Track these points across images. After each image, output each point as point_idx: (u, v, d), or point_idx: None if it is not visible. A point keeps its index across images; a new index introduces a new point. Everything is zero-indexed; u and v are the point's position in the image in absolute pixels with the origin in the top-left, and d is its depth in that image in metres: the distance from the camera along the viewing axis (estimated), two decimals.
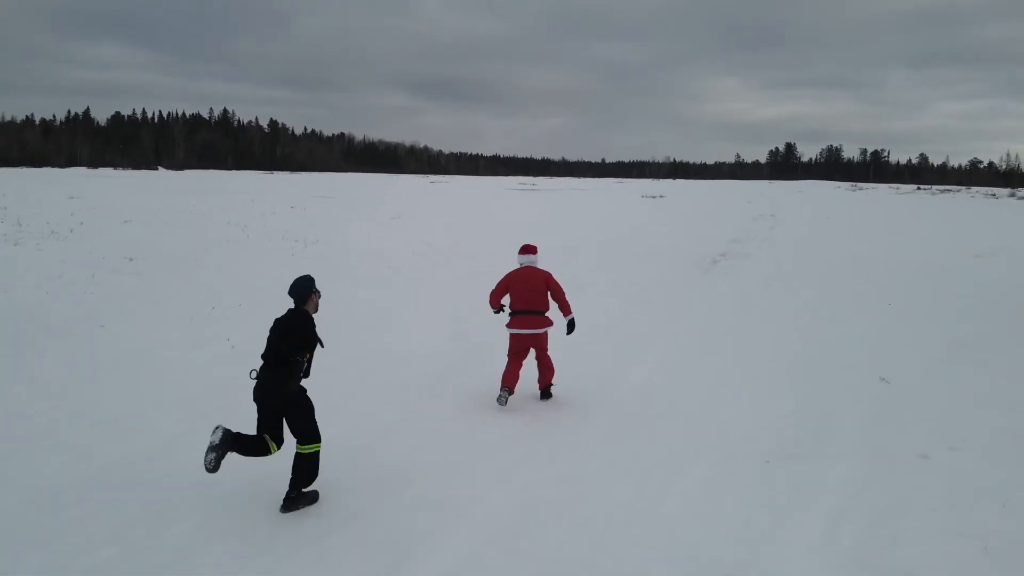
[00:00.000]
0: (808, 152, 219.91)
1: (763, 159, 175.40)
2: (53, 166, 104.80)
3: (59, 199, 31.84)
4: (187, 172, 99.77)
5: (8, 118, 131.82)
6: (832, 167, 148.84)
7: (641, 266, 15.87)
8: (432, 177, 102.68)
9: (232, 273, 12.90)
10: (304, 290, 4.83)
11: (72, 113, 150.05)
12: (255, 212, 25.76)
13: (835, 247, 19.83)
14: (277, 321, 4.81)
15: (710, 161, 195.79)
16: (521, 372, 7.03)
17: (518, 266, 7.28)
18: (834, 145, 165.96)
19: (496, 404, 6.83)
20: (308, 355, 4.73)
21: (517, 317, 6.98)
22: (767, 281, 14.12)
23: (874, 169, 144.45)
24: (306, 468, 4.71)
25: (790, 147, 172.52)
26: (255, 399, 4.72)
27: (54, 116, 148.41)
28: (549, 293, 7.04)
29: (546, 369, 7.11)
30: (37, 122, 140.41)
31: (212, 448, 4.46)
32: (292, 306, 4.84)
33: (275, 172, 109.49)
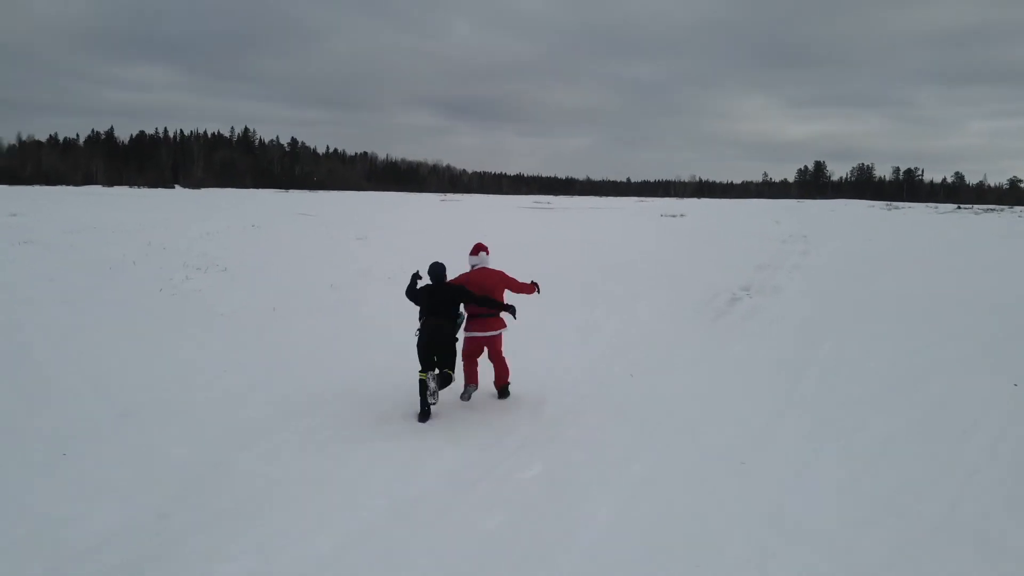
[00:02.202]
0: (838, 171, 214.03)
1: (791, 178, 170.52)
2: (69, 184, 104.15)
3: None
4: (202, 190, 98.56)
5: (25, 137, 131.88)
6: (863, 186, 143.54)
7: (633, 305, 12.12)
8: (445, 196, 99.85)
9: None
10: (442, 271, 6.67)
11: (94, 132, 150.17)
12: (189, 228, 22.48)
13: (889, 277, 15.87)
14: (432, 290, 6.56)
15: (737, 180, 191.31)
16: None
17: (469, 268, 7.15)
18: (865, 163, 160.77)
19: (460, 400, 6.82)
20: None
21: (473, 321, 6.89)
22: (802, 330, 10.32)
23: (908, 188, 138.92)
24: (449, 379, 6.46)
25: (819, 165, 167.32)
26: (429, 344, 6.36)
27: (77, 135, 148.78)
28: (507, 293, 7.02)
29: (502, 369, 7.05)
30: (61, 141, 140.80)
31: (434, 392, 6.28)
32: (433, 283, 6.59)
33: (291, 191, 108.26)
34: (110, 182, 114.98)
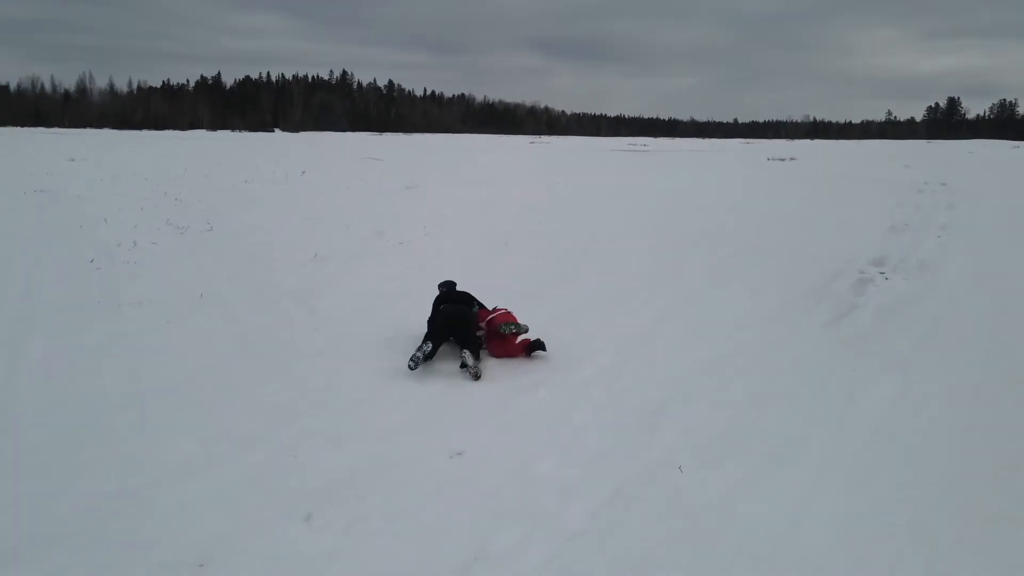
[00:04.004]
0: (974, 108, 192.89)
1: (919, 116, 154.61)
2: (176, 129, 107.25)
3: (57, 160, 28.06)
4: (299, 134, 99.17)
5: (137, 84, 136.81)
6: (1004, 124, 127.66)
7: (709, 298, 8.46)
8: (535, 138, 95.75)
9: None
10: (454, 285, 6.89)
11: (203, 78, 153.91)
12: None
13: None
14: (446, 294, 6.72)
15: (856, 119, 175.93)
16: None
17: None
18: (1008, 99, 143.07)
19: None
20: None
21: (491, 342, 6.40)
22: (994, 351, 6.44)
23: None
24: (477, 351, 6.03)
25: (952, 102, 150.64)
26: (443, 323, 6.00)
27: (187, 80, 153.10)
28: None
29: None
30: (175, 87, 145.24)
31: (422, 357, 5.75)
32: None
33: (384, 133, 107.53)
34: (214, 126, 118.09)
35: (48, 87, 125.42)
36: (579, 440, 4.54)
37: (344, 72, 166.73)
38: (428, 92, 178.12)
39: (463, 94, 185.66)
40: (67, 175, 21.98)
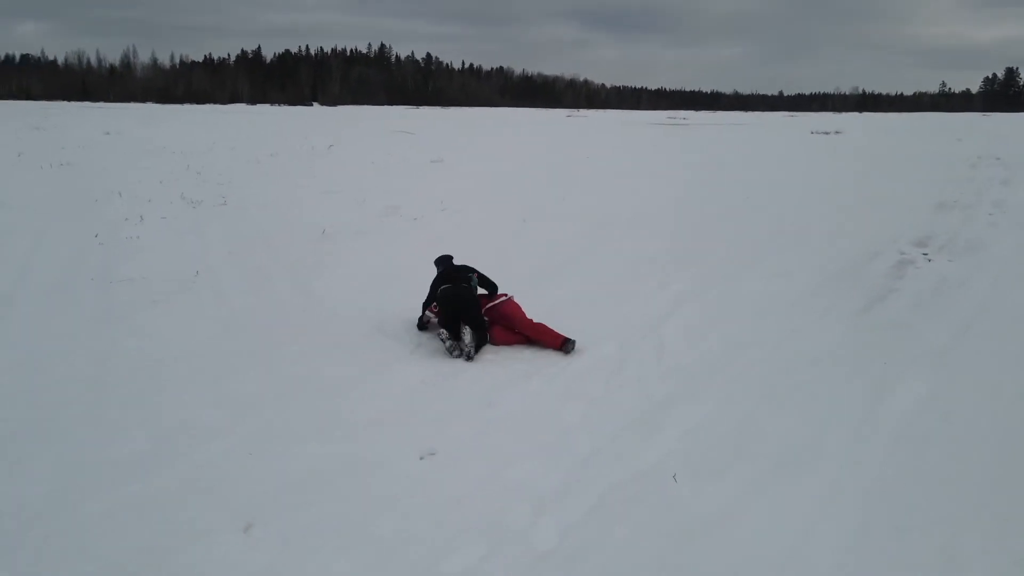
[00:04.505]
0: None
1: (975, 88, 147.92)
2: (216, 103, 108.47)
3: (92, 133, 28.29)
4: (337, 108, 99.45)
5: (177, 59, 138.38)
6: None
7: (732, 279, 7.88)
8: (572, 111, 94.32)
9: None
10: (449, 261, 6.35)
11: (243, 52, 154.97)
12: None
13: None
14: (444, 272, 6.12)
15: (907, 91, 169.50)
16: None
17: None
18: None
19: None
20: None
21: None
22: None
23: None
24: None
25: (1011, 73, 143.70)
26: (452, 305, 5.60)
27: (228, 55, 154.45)
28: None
29: (543, 333, 5.65)
30: (215, 61, 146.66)
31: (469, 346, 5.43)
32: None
33: (421, 107, 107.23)
34: (253, 100, 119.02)
35: (94, 61, 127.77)
36: (565, 442, 4.11)
37: (382, 45, 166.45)
38: (466, 65, 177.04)
39: (501, 67, 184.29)
40: (98, 148, 22.05)
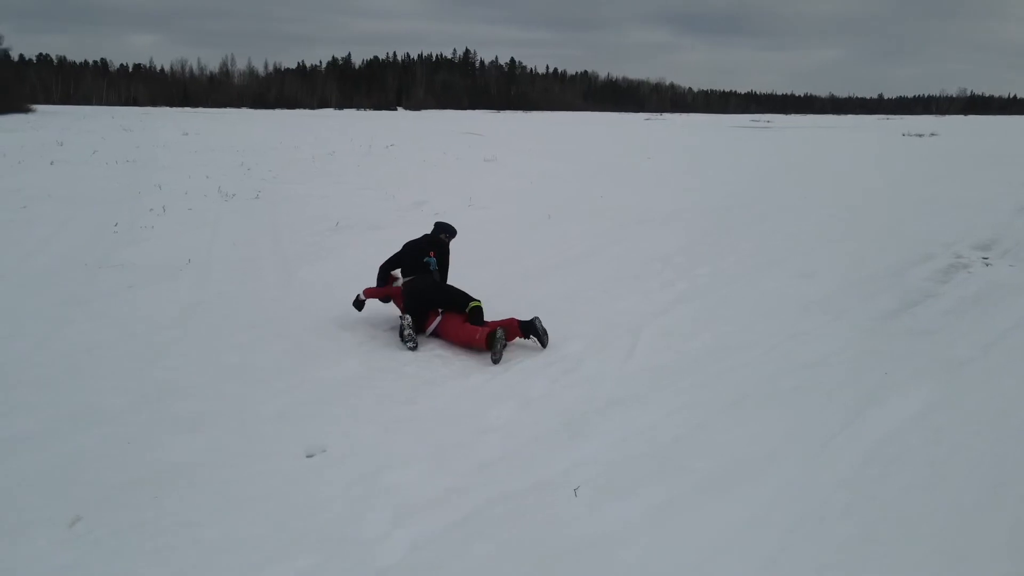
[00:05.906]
0: None
1: None
2: (305, 108, 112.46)
3: (173, 134, 29.53)
4: (421, 112, 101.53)
5: (271, 66, 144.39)
6: None
7: (743, 287, 7.18)
8: (652, 115, 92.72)
9: None
10: (453, 231, 5.95)
11: (333, 58, 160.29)
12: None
13: None
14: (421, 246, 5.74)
15: (1021, 94, 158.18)
16: None
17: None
18: None
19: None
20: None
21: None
22: None
23: None
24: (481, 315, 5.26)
25: None
26: (423, 295, 5.30)
27: (320, 62, 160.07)
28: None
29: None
30: (308, 67, 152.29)
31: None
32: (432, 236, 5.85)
33: (503, 111, 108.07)
34: (341, 105, 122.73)
35: (196, 70, 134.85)
36: (475, 444, 3.66)
37: (467, 50, 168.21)
38: (550, 69, 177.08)
39: (586, 71, 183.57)
40: (170, 147, 22.92)
